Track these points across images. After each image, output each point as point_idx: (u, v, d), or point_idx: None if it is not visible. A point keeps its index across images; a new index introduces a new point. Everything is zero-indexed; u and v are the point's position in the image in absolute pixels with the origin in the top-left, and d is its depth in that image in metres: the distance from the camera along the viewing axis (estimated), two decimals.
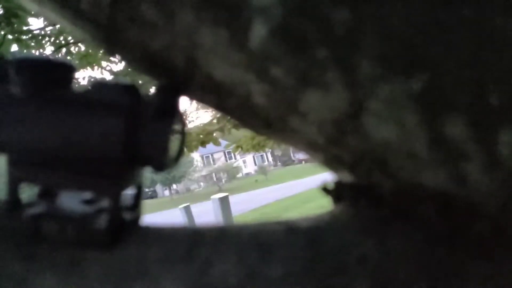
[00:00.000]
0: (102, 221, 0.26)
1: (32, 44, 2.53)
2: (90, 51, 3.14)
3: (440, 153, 0.22)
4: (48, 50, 2.64)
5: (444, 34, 0.21)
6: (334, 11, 0.21)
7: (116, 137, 0.24)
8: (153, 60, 0.24)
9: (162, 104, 0.24)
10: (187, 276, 0.24)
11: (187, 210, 6.07)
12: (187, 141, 3.00)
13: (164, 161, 0.25)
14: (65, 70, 0.25)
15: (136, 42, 0.24)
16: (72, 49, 3.12)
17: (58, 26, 2.68)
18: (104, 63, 3.56)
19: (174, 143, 0.26)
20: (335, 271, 0.23)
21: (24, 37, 2.29)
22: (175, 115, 0.25)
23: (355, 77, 0.22)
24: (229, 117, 0.28)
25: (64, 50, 3.02)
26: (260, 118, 0.26)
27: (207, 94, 0.26)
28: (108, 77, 3.70)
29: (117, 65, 3.90)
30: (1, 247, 0.25)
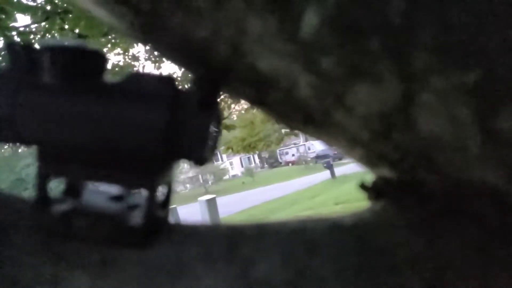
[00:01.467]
0: (137, 219, 0.24)
1: (19, 40, 2.47)
2: None
3: (492, 149, 0.22)
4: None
5: (502, 26, 0.20)
6: (389, 0, 0.21)
7: (157, 129, 0.23)
8: (194, 49, 0.23)
9: (202, 96, 0.23)
10: (230, 275, 0.23)
11: (173, 212, 6.02)
12: None
13: (204, 154, 0.24)
14: (98, 59, 0.24)
15: (178, 30, 0.23)
16: None
17: (44, 23, 2.62)
18: None
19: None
20: (385, 271, 0.22)
21: (11, 33, 2.23)
22: (215, 107, 0.24)
23: (409, 69, 0.21)
24: (263, 111, 0.27)
25: None
26: (301, 112, 0.25)
27: (246, 87, 0.25)
28: None
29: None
30: (29, 246, 0.24)
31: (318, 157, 17.12)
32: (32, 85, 0.23)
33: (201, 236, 0.25)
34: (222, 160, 19.72)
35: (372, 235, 0.23)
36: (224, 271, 0.23)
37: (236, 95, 0.27)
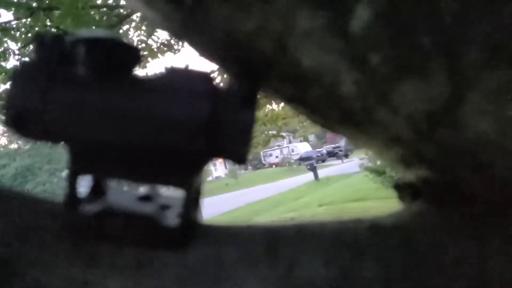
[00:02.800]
0: (171, 219, 0.23)
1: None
2: None
3: None
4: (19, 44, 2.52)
5: None
6: None
7: (197, 125, 0.22)
8: (238, 44, 0.23)
9: (244, 93, 0.22)
10: (272, 277, 0.22)
11: None
12: None
13: (246, 153, 0.23)
14: (133, 53, 0.23)
15: (222, 25, 0.22)
16: None
17: (29, 20, 2.55)
18: None
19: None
20: (431, 272, 0.21)
21: None
22: (256, 104, 0.23)
23: (459, 67, 0.21)
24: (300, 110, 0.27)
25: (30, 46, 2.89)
26: (341, 109, 0.24)
27: (285, 84, 0.24)
28: None
29: None
30: (58, 249, 0.22)
31: (302, 159, 17.23)
32: (64, 78, 0.22)
33: (238, 237, 0.24)
34: None
35: (415, 237, 0.23)
36: (266, 273, 0.22)
37: (272, 92, 0.26)
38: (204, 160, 0.23)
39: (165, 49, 4.07)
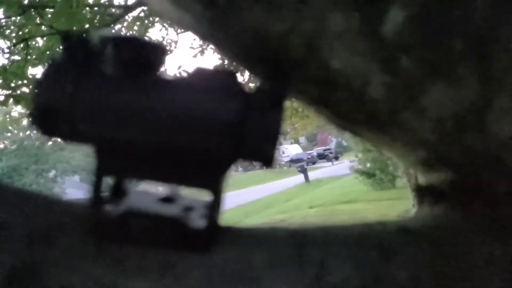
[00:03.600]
0: (196, 221, 0.23)
1: None
2: (52, 46, 2.98)
3: None
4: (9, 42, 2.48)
5: None
6: (474, 1, 0.20)
7: (226, 126, 0.22)
8: (267, 45, 0.22)
9: (272, 94, 0.22)
10: (302, 280, 0.22)
11: None
12: None
13: (273, 155, 0.22)
14: (160, 52, 0.23)
15: (254, 25, 0.22)
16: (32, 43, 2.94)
17: (18, 18, 2.52)
18: None
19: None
20: (462, 274, 0.21)
21: None
22: (284, 106, 0.23)
23: (488, 71, 0.21)
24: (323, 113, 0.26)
25: (21, 45, 2.85)
26: (366, 112, 0.24)
27: (311, 85, 0.24)
28: None
29: None
30: (83, 251, 0.22)
31: (292, 161, 17.27)
32: (91, 78, 0.21)
33: (265, 240, 0.24)
34: None
35: (443, 240, 0.23)
36: (295, 277, 0.22)
37: (296, 94, 0.26)
38: (230, 162, 0.23)
39: None
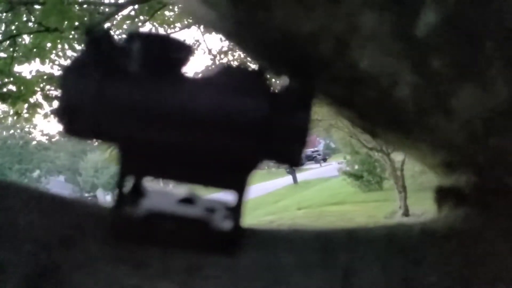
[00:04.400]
0: (222, 223, 0.22)
1: None
2: (40, 43, 2.93)
3: None
4: None
5: None
6: (506, 3, 0.20)
7: (253, 126, 0.21)
8: (296, 44, 0.22)
9: (300, 94, 0.22)
10: (329, 283, 0.21)
11: None
12: None
13: (301, 156, 0.22)
14: (186, 51, 0.22)
15: (284, 23, 0.21)
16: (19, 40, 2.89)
17: (5, 14, 2.47)
18: (53, 57, 3.34)
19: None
20: (490, 280, 0.21)
21: None
22: (312, 106, 0.22)
23: None
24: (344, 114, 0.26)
25: (7, 41, 2.79)
26: (392, 113, 0.24)
27: (336, 86, 0.24)
28: (57, 72, 3.45)
29: (66, 60, 3.70)
30: (106, 252, 0.21)
31: None
32: (116, 75, 0.21)
33: (290, 242, 0.23)
34: None
35: (469, 243, 0.23)
36: (323, 280, 0.21)
37: (321, 94, 0.26)
38: (256, 162, 0.23)
39: None
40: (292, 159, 0.22)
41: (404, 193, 5.08)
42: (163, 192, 0.26)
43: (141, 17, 3.28)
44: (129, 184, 0.23)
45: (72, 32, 2.30)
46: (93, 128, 0.21)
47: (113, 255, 0.21)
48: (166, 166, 0.22)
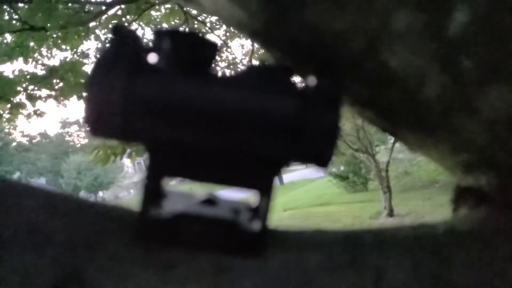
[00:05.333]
0: (249, 224, 0.22)
1: None
2: (23, 42, 2.86)
3: None
4: None
5: None
6: None
7: (284, 126, 0.21)
8: (327, 43, 0.22)
9: (330, 93, 0.22)
10: (360, 285, 0.21)
11: None
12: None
13: (331, 157, 0.22)
14: (214, 49, 0.22)
15: (316, 22, 0.21)
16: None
17: None
18: (37, 56, 3.27)
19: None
20: None
21: None
22: (341, 106, 0.22)
23: None
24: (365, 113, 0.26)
25: None
26: (417, 113, 0.24)
27: (363, 85, 0.24)
28: (40, 71, 3.37)
29: (50, 59, 3.63)
30: (131, 255, 0.21)
31: None
32: (147, 72, 0.20)
33: (316, 243, 0.23)
34: None
35: (495, 243, 0.23)
36: (353, 281, 0.21)
37: (345, 94, 0.26)
38: (284, 163, 0.22)
39: None
40: (322, 159, 0.22)
41: (389, 194, 5.14)
42: (183, 194, 0.25)
43: (128, 17, 3.24)
44: (154, 185, 0.22)
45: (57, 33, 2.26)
46: (121, 127, 0.20)
47: (140, 257, 0.21)
48: (195, 166, 0.22)
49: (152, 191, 0.21)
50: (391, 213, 5.21)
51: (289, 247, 0.22)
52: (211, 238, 0.22)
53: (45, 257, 0.20)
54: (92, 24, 3.15)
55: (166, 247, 0.21)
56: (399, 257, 0.22)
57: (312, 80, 0.22)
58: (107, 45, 0.21)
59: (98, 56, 0.20)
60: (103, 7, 2.74)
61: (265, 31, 0.23)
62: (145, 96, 0.20)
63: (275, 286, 0.21)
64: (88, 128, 0.20)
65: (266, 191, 0.22)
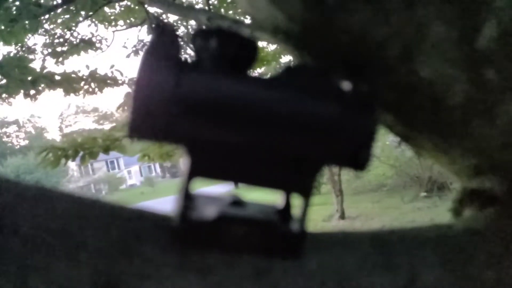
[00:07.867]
0: (292, 227, 0.22)
1: None
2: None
3: None
4: None
5: None
6: None
7: (325, 128, 0.21)
8: (366, 49, 0.22)
9: (367, 97, 0.22)
10: (396, 285, 0.22)
11: None
12: (74, 146, 2.71)
13: (368, 161, 0.22)
14: (255, 49, 0.22)
15: (358, 27, 0.22)
16: None
17: None
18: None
19: None
20: None
21: None
22: (377, 110, 0.23)
23: None
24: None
25: None
26: (439, 119, 0.25)
27: (390, 91, 0.25)
28: None
29: None
30: (168, 260, 0.20)
31: None
32: (192, 72, 0.20)
33: (348, 245, 0.23)
34: (119, 169, 18.53)
35: (508, 242, 0.24)
36: (388, 281, 0.22)
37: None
38: (322, 166, 0.22)
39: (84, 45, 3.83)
40: (360, 163, 0.22)
41: (341, 197, 5.30)
42: (208, 195, 0.25)
43: (82, 12, 3.11)
44: (193, 187, 0.22)
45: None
46: (165, 128, 0.19)
47: (178, 262, 0.20)
48: (235, 168, 0.21)
49: (190, 194, 0.21)
50: (342, 216, 5.37)
51: (322, 249, 0.23)
52: (251, 240, 0.21)
53: (81, 264, 0.19)
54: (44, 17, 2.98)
55: (205, 251, 0.21)
56: (428, 256, 0.23)
57: (347, 84, 0.23)
58: (152, 43, 0.20)
59: (144, 55, 0.19)
60: (56, 1, 2.61)
61: (303, 34, 0.23)
62: (191, 96, 0.20)
63: (314, 287, 0.21)
64: (129, 128, 0.19)
65: (305, 194, 0.22)
